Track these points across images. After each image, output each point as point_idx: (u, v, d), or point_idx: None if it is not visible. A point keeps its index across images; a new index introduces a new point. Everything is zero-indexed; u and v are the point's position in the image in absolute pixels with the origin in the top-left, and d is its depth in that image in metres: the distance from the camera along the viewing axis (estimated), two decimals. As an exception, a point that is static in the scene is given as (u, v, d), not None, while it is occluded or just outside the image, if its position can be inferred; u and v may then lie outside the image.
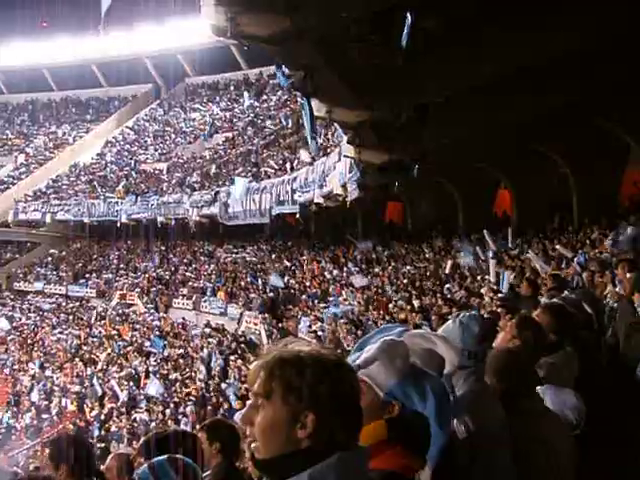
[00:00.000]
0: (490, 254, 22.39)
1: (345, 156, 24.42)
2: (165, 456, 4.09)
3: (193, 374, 28.54)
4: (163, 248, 45.82)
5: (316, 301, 29.50)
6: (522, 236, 23.81)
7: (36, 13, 58.93)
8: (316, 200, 30.31)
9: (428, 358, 3.04)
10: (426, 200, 30.29)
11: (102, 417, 27.66)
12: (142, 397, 28.04)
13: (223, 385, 26.14)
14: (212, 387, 26.42)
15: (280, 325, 30.44)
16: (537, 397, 4.22)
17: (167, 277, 41.65)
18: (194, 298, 37.33)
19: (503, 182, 27.45)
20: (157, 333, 34.53)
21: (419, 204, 31.09)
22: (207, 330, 33.20)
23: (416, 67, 13.49)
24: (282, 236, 38.80)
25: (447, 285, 22.98)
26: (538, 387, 4.32)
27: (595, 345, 7.16)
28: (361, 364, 2.78)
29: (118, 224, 47.28)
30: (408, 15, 11.47)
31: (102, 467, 5.37)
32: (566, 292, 9.26)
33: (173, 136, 57.46)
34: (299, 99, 23.33)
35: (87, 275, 47.04)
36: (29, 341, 40.25)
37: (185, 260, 42.70)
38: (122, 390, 29.29)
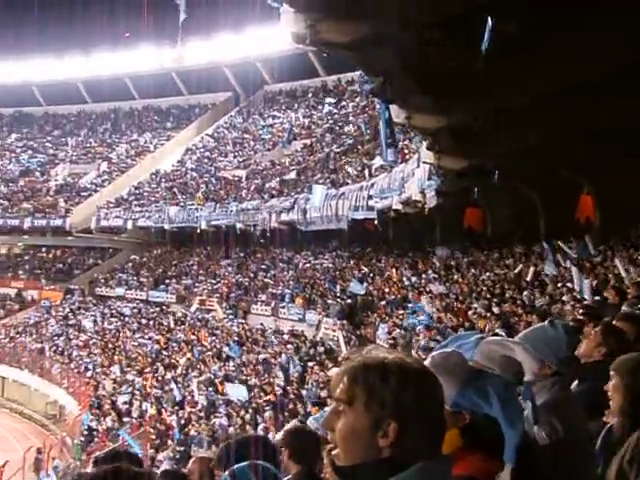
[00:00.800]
0: (569, 262, 22.04)
1: (424, 162, 24.27)
2: (246, 462, 4.07)
3: (271, 380, 28.61)
4: (242, 254, 46.15)
5: (394, 308, 29.35)
6: (605, 243, 23.32)
7: (118, 24, 59.91)
8: (395, 206, 30.17)
9: (505, 365, 3.01)
10: (506, 206, 29.87)
11: (182, 421, 27.92)
12: (221, 402, 28.21)
13: (301, 391, 26.17)
14: (290, 393, 26.45)
15: (358, 332, 30.38)
16: None
17: (246, 283, 41.92)
18: (273, 304, 37.49)
19: (585, 187, 26.92)
20: (236, 339, 34.73)
21: (499, 210, 30.68)
22: (285, 336, 33.31)
23: (495, 70, 13.32)
24: (360, 242, 38.72)
25: (525, 292, 22.64)
26: None
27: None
28: None
29: (198, 230, 47.78)
30: (489, 19, 11.32)
31: (184, 470, 5.38)
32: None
33: (252, 143, 57.87)
34: (377, 105, 23.22)
35: (167, 281, 47.64)
36: (110, 345, 40.90)
37: (264, 266, 42.92)
38: (201, 395, 29.53)
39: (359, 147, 43.60)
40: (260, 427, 23.61)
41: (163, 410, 30.07)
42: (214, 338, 36.02)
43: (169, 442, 26.84)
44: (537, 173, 24.63)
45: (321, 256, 40.53)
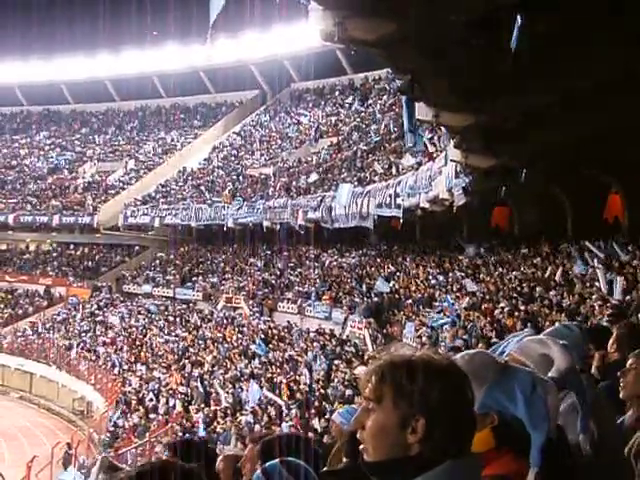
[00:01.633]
0: (596, 261, 21.90)
1: (452, 160, 24.18)
2: (277, 460, 4.07)
3: (297, 377, 28.61)
4: (269, 252, 46.21)
5: (421, 306, 29.29)
6: (635, 242, 23.13)
7: (146, 23, 60.20)
8: (422, 205, 30.11)
9: (545, 364, 2.97)
10: (534, 205, 29.73)
11: (207, 418, 27.97)
12: (247, 399, 28.25)
13: (327, 389, 26.15)
14: (316, 391, 26.44)
15: (384, 330, 30.34)
16: None
17: (272, 281, 41.97)
18: (299, 302, 37.53)
19: (614, 186, 26.74)
20: (262, 336, 34.77)
21: (526, 209, 30.52)
22: (312, 334, 33.31)
23: (524, 69, 13.25)
24: (387, 241, 38.66)
25: (552, 292, 22.51)
26: None
27: None
28: None
29: (225, 228, 47.89)
30: (518, 17, 11.25)
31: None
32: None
33: (279, 141, 57.93)
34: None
35: (194, 278, 47.81)
36: (137, 342, 41.09)
37: (290, 264, 42.94)
38: (227, 392, 29.58)
39: (386, 145, 43.51)
40: (286, 425, 23.61)
41: (190, 407, 30.14)
42: (240, 336, 36.08)
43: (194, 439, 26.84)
44: (565, 172, 24.50)
45: (348, 254, 40.49)
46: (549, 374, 3.04)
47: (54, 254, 60.72)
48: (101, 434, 32.30)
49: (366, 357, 27.78)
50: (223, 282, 45.19)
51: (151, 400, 32.70)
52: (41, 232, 60.22)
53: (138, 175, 61.91)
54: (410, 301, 30.37)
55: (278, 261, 44.48)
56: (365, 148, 45.32)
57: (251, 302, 40.36)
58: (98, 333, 45.21)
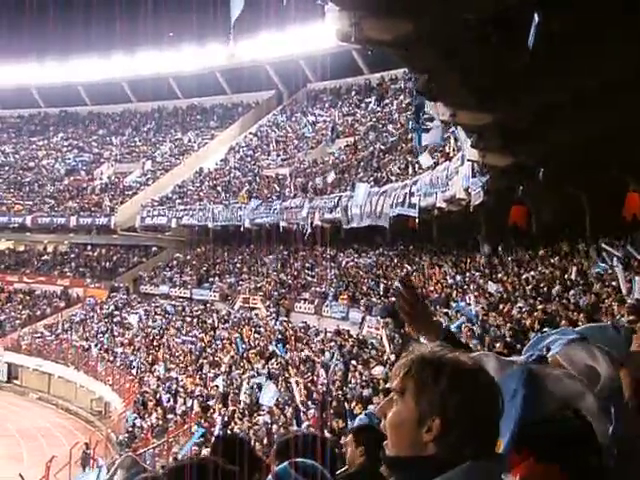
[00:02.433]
0: (615, 260, 21.76)
1: (469, 160, 24.12)
2: (286, 462, 4.04)
3: (315, 378, 28.60)
4: (285, 252, 46.23)
5: (438, 306, 29.17)
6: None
7: (162, 24, 60.38)
8: (438, 204, 30.03)
9: (590, 376, 2.93)
10: (551, 204, 29.58)
11: (225, 419, 27.99)
12: (263, 400, 28.24)
13: (344, 389, 26.11)
14: (333, 391, 26.41)
15: (402, 330, 30.25)
16: None
17: (289, 281, 41.98)
18: (316, 302, 37.52)
19: (632, 185, 26.56)
20: (279, 337, 34.78)
21: (544, 208, 30.37)
22: (329, 334, 33.29)
23: (540, 67, 13.19)
24: (403, 241, 38.58)
25: (572, 291, 22.40)
26: None
27: None
28: None
29: (241, 229, 47.96)
30: (535, 15, 11.21)
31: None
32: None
33: (295, 141, 57.95)
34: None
35: (211, 279, 47.90)
36: (155, 343, 41.19)
37: (307, 264, 42.94)
38: (244, 392, 29.59)
39: (403, 145, 43.43)
40: (304, 425, 23.61)
41: (209, 407, 30.15)
42: (257, 336, 36.10)
43: (212, 439, 26.88)
44: (583, 171, 24.36)
45: (364, 254, 40.45)
46: (595, 390, 2.99)
47: (72, 255, 61.01)
48: (119, 434, 32.42)
49: (384, 357, 27.75)
50: (240, 283, 45.24)
51: (168, 401, 32.77)
52: (59, 233, 60.53)
53: (155, 176, 62.10)
54: (427, 301, 30.25)
55: (295, 261, 44.48)
56: (382, 148, 45.26)
57: (268, 302, 40.39)
58: (116, 334, 45.38)
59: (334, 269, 40.36)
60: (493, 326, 22.77)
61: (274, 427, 24.63)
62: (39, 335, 49.71)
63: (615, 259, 22.16)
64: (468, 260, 32.05)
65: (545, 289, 23.91)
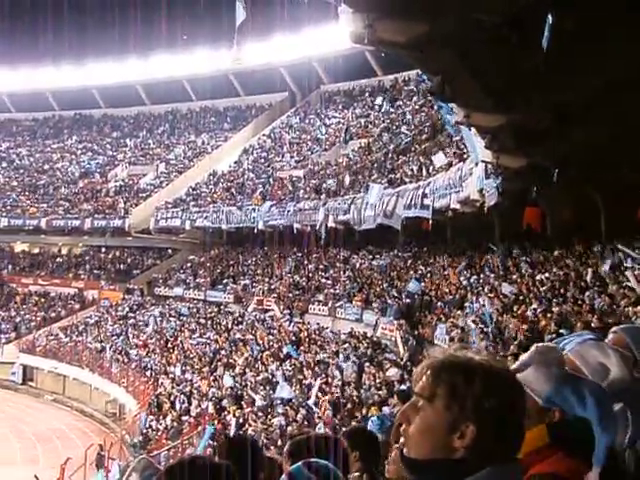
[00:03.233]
0: (629, 261, 21.67)
1: (483, 161, 24.06)
2: (301, 462, 4.03)
3: (329, 380, 28.59)
4: (299, 254, 46.23)
5: (452, 308, 29.12)
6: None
7: (176, 27, 60.59)
8: (452, 205, 29.98)
9: (601, 373, 2.91)
10: (566, 205, 29.47)
11: (239, 420, 28.01)
12: (279, 401, 28.26)
13: (359, 391, 26.10)
14: (347, 393, 26.40)
15: (416, 332, 30.22)
16: None
17: (303, 283, 41.98)
18: (330, 304, 37.51)
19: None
20: (293, 338, 34.79)
21: (559, 209, 30.26)
22: (343, 336, 33.28)
23: (554, 68, 13.14)
24: (418, 242, 38.50)
25: (587, 293, 22.30)
26: None
27: None
28: (517, 367, 2.66)
29: (255, 231, 47.98)
30: (549, 15, 11.17)
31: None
32: None
33: (309, 143, 57.94)
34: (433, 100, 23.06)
35: (225, 281, 47.93)
36: (169, 345, 41.24)
37: (321, 266, 42.93)
38: (258, 394, 29.61)
39: (416, 146, 43.39)
40: (318, 427, 23.59)
41: (223, 409, 30.18)
42: (271, 338, 36.11)
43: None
44: (598, 172, 24.27)
45: (378, 256, 40.39)
46: (603, 384, 2.98)
47: (86, 257, 61.22)
48: (133, 436, 32.47)
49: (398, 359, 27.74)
50: (254, 284, 45.27)
51: (183, 402, 32.80)
52: (73, 236, 60.74)
53: (169, 178, 62.20)
54: (441, 303, 30.22)
55: (309, 263, 44.48)
56: (395, 149, 45.21)
57: (282, 304, 40.41)
58: (130, 336, 45.47)
59: (348, 271, 40.35)
60: (507, 327, 22.74)
61: (289, 429, 24.61)
62: (54, 337, 49.88)
63: (630, 260, 22.07)
64: (482, 261, 31.94)
65: (560, 290, 23.80)
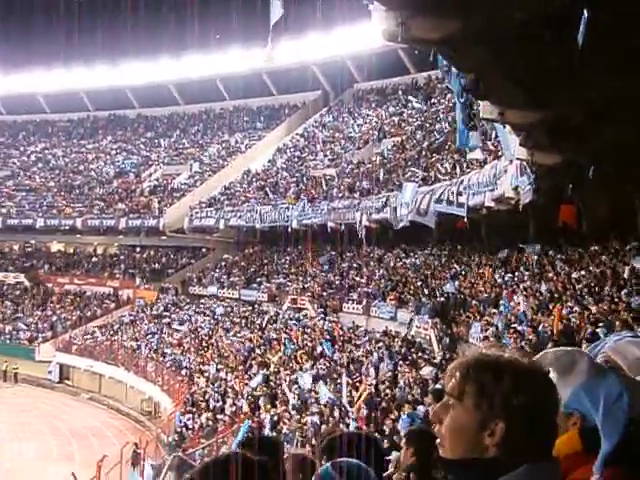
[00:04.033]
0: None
1: (517, 158, 23.89)
2: (329, 463, 4.02)
3: (363, 378, 28.54)
4: (333, 253, 46.21)
5: (487, 306, 28.94)
6: None
7: (209, 27, 60.78)
8: (487, 203, 29.81)
9: (634, 367, 2.85)
10: (602, 202, 29.20)
11: (274, 419, 28.03)
12: (313, 400, 28.25)
13: (393, 390, 26.02)
14: (382, 391, 26.34)
15: (450, 330, 30.10)
16: None
17: (337, 282, 41.96)
18: (364, 303, 37.47)
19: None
20: (327, 337, 34.79)
21: (594, 206, 29.98)
22: (377, 335, 33.22)
23: (589, 64, 13.00)
24: (452, 240, 38.34)
25: (624, 290, 22.09)
26: None
27: None
28: None
29: (289, 229, 48.02)
30: (585, 11, 11.04)
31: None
32: None
33: (342, 142, 57.87)
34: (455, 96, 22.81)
35: (259, 280, 48.04)
36: (204, 344, 41.40)
37: (355, 265, 42.89)
38: (293, 393, 29.63)
39: (450, 144, 43.19)
40: (352, 426, 23.54)
41: (258, 407, 30.22)
42: (306, 336, 36.13)
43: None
44: (634, 169, 24.03)
45: (412, 254, 40.28)
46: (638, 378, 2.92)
47: (121, 257, 61.66)
48: (169, 435, 32.61)
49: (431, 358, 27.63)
50: (288, 283, 45.33)
51: (217, 401, 32.90)
52: (108, 235, 61.19)
53: (203, 178, 62.45)
54: (476, 301, 30.07)
55: (342, 262, 44.46)
56: (429, 147, 45.05)
57: (316, 303, 40.42)
58: (165, 335, 45.71)
59: (382, 269, 40.28)
60: (543, 326, 22.55)
61: (323, 427, 24.58)
62: (90, 336, 50.28)
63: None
64: (517, 259, 31.74)
65: (596, 289, 23.59)
